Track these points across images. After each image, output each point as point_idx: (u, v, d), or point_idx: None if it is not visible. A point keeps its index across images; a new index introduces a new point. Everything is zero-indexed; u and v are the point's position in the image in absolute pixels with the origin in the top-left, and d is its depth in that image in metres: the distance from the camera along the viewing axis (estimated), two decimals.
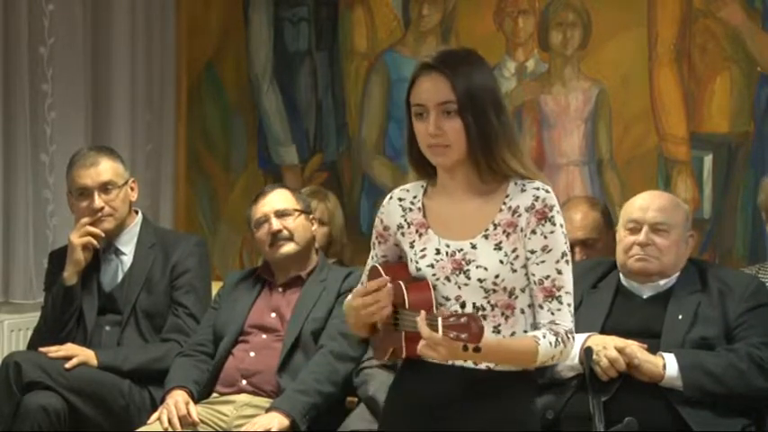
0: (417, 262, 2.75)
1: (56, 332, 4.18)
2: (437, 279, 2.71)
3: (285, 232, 4.08)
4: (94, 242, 4.21)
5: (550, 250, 2.69)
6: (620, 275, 3.71)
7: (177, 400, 3.91)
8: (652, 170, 4.58)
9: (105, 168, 4.23)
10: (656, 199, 3.70)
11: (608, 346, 3.44)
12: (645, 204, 3.68)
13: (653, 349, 3.46)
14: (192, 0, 5.54)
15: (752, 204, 4.30)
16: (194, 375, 4.05)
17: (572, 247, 4.18)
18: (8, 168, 4.90)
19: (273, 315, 4.07)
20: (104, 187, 4.22)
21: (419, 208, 2.80)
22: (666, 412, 3.41)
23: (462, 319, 2.45)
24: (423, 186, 2.83)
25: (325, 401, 3.88)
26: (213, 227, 5.50)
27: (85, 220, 4.20)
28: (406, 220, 2.81)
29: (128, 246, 4.31)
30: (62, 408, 3.94)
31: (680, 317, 3.54)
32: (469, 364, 2.66)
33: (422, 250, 2.75)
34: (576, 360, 3.48)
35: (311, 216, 4.20)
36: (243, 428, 3.80)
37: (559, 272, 2.70)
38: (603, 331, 3.55)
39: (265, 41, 5.40)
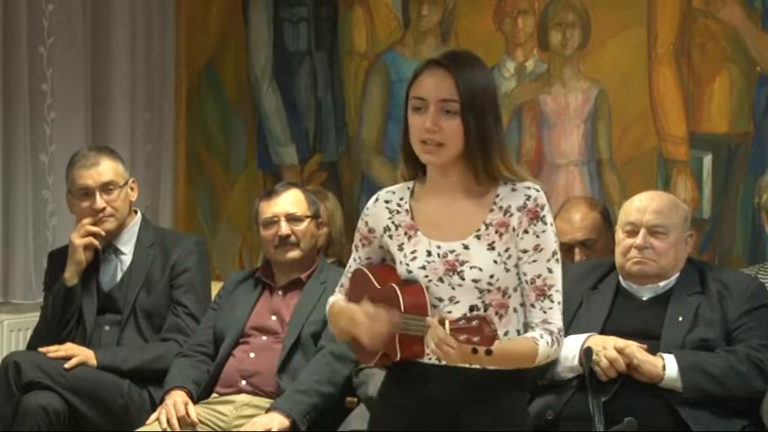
0: (408, 264, 2.75)
1: (56, 332, 4.19)
2: (429, 281, 2.71)
3: (293, 238, 4.07)
4: (96, 242, 4.21)
5: (542, 249, 2.71)
6: (620, 277, 3.71)
7: (176, 401, 3.91)
8: (651, 170, 4.58)
9: (106, 168, 4.23)
10: (654, 200, 3.69)
11: (608, 347, 3.44)
12: (642, 206, 3.67)
13: (652, 350, 3.46)
14: (192, 0, 5.54)
15: (751, 204, 4.30)
16: (193, 376, 4.05)
17: (571, 247, 4.21)
18: (8, 168, 4.90)
19: (274, 318, 4.07)
20: (106, 187, 4.23)
21: (406, 210, 2.80)
22: (666, 413, 3.41)
23: (474, 322, 2.47)
24: (409, 188, 2.83)
25: (324, 402, 3.89)
26: (213, 227, 5.50)
27: (87, 220, 4.21)
28: (393, 223, 2.80)
29: (127, 245, 4.31)
30: (61, 408, 3.94)
31: (680, 318, 3.54)
32: (463, 364, 2.65)
33: (412, 252, 2.75)
34: (576, 360, 3.48)
35: (319, 219, 4.19)
36: (243, 428, 3.80)
37: (550, 270, 2.72)
38: (603, 332, 3.55)
39: (265, 41, 5.40)
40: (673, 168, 4.57)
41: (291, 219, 4.09)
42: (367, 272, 2.79)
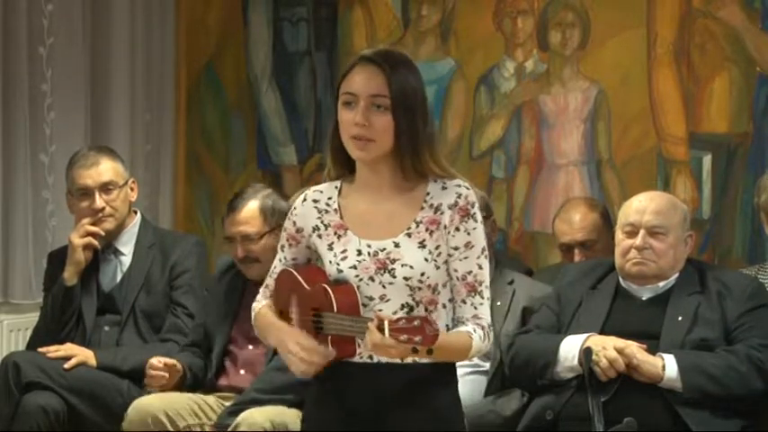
0: (338, 264, 2.73)
1: (55, 332, 4.19)
2: (360, 280, 2.70)
3: (251, 257, 4.03)
4: (95, 242, 4.21)
5: (473, 246, 2.71)
6: (619, 277, 3.71)
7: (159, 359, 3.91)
8: (651, 170, 4.58)
9: (106, 168, 4.24)
10: (653, 201, 3.69)
11: (607, 347, 3.45)
12: (641, 207, 3.67)
13: (652, 351, 3.47)
14: (191, 0, 5.54)
15: (751, 204, 4.30)
16: (190, 360, 4.04)
17: (571, 248, 4.22)
18: (8, 168, 4.90)
19: None
20: (105, 187, 4.23)
21: (335, 209, 2.78)
22: (666, 413, 3.41)
23: (415, 323, 2.47)
24: (336, 187, 2.82)
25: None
26: (212, 227, 5.50)
27: (86, 220, 4.21)
28: (322, 222, 2.78)
29: (127, 246, 4.31)
30: (61, 408, 3.95)
31: (679, 318, 3.54)
32: (395, 360, 2.63)
33: (342, 252, 2.74)
34: (576, 361, 3.48)
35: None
36: None
37: (480, 267, 2.73)
38: (603, 332, 3.55)
39: (265, 42, 5.40)
40: (672, 168, 4.57)
41: (246, 239, 4.03)
42: (294, 273, 2.77)
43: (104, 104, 5.28)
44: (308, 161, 5.30)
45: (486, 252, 2.74)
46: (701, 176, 4.53)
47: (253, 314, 2.88)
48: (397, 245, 2.71)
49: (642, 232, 3.62)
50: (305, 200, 2.83)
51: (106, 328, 4.23)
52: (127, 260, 4.30)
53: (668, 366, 3.43)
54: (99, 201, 4.21)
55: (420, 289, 2.69)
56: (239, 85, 5.46)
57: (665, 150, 4.59)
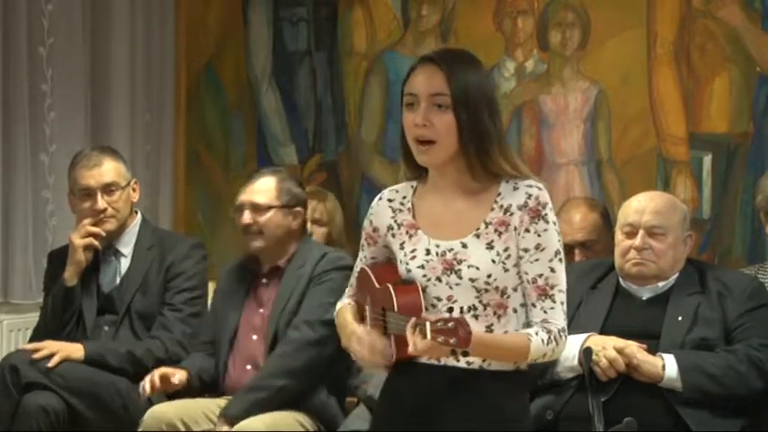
0: (407, 263, 2.73)
1: (55, 332, 4.18)
2: (428, 280, 2.70)
3: (255, 227, 4.04)
4: (96, 243, 4.21)
5: (544, 249, 2.68)
6: (619, 277, 3.71)
7: (166, 369, 3.91)
8: (651, 170, 4.59)
9: (108, 169, 4.23)
10: (652, 201, 3.68)
11: (607, 347, 3.44)
12: (641, 207, 3.66)
13: (652, 350, 3.46)
14: (191, 0, 5.54)
15: (751, 204, 4.30)
16: (200, 363, 4.04)
17: (571, 248, 4.21)
18: (8, 168, 4.90)
19: (261, 310, 4.05)
20: (107, 188, 4.22)
21: (409, 208, 2.78)
22: (666, 413, 3.41)
23: (450, 324, 2.45)
24: (413, 186, 2.81)
25: (279, 394, 3.84)
26: (212, 227, 5.50)
27: (87, 220, 4.20)
28: (395, 221, 2.79)
29: (127, 247, 4.30)
30: (61, 408, 3.94)
31: (679, 318, 3.54)
32: (462, 363, 2.64)
33: (412, 251, 2.74)
34: (576, 360, 3.48)
35: (296, 209, 4.11)
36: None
37: (553, 270, 2.69)
38: (603, 332, 3.54)
39: (265, 42, 5.41)
40: (672, 168, 4.57)
41: (255, 208, 4.05)
42: (369, 271, 2.79)
43: (104, 104, 5.29)
44: (308, 161, 5.30)
45: (561, 255, 2.70)
46: (701, 176, 4.54)
47: (334, 314, 2.91)
48: (464, 245, 2.69)
49: (641, 232, 3.62)
50: (380, 199, 2.84)
51: (106, 328, 4.23)
52: (126, 261, 4.29)
53: (668, 366, 3.42)
54: (101, 202, 4.20)
55: (487, 291, 2.67)
56: (239, 85, 5.46)
57: (665, 150, 4.59)
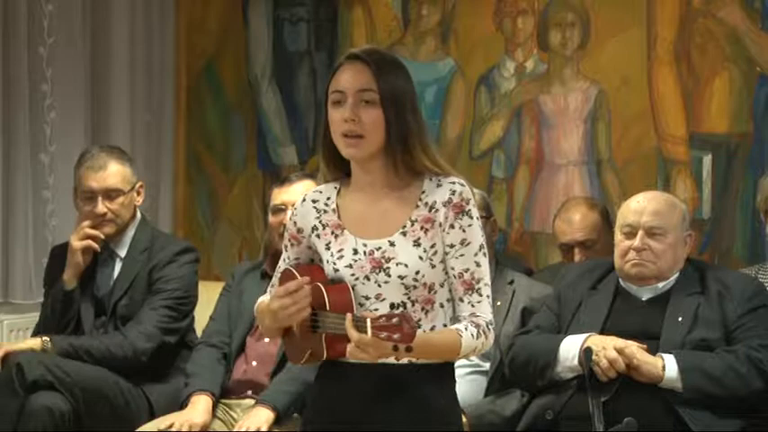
0: (335, 263, 2.73)
1: (55, 334, 4.17)
2: (356, 279, 2.70)
3: None
4: (94, 245, 4.19)
5: (469, 243, 2.70)
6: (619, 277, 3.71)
7: (193, 420, 3.89)
8: (651, 170, 4.59)
9: (113, 173, 4.20)
10: (651, 201, 3.68)
11: (607, 347, 3.44)
12: (640, 208, 3.66)
13: (652, 351, 3.46)
14: (191, 0, 5.54)
15: (751, 204, 4.31)
16: (219, 377, 4.03)
17: (571, 248, 4.22)
18: (8, 168, 4.91)
19: None
20: (109, 193, 4.19)
21: (333, 209, 2.79)
22: (666, 413, 3.41)
23: (394, 320, 2.46)
24: (336, 187, 2.81)
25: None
26: (212, 227, 5.50)
27: (86, 223, 4.19)
28: (320, 222, 2.79)
29: (123, 249, 4.28)
30: (67, 409, 3.92)
31: (679, 318, 3.54)
32: (390, 360, 2.61)
33: (339, 251, 2.74)
34: (576, 361, 3.48)
35: None
36: (235, 428, 3.82)
37: (478, 264, 2.71)
38: (603, 333, 3.55)
39: (264, 42, 5.41)
40: (672, 168, 4.57)
41: None
42: (294, 272, 2.77)
43: (104, 104, 5.29)
44: (308, 161, 5.29)
45: (485, 249, 2.72)
46: (701, 176, 4.53)
47: (254, 309, 2.89)
48: (392, 243, 2.70)
49: (641, 233, 3.62)
50: (304, 200, 2.84)
51: (101, 331, 4.22)
52: (120, 264, 4.28)
53: (668, 367, 3.43)
54: (101, 206, 4.18)
55: (415, 288, 2.69)
56: (239, 85, 5.46)
57: (665, 150, 4.59)
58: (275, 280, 2.86)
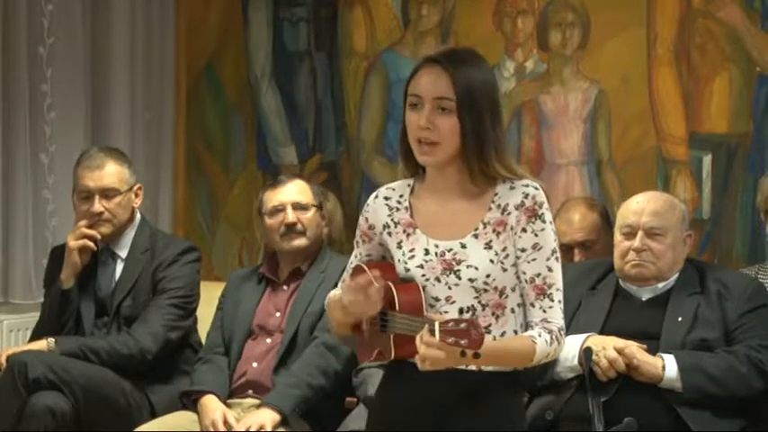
0: (406, 263, 2.73)
1: (54, 334, 4.18)
2: (426, 280, 2.70)
3: (299, 226, 4.09)
4: (91, 245, 4.20)
5: (541, 248, 2.69)
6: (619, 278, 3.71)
7: (215, 418, 3.89)
8: (651, 170, 4.58)
9: (110, 173, 4.21)
10: (651, 202, 3.68)
11: (607, 347, 3.44)
12: (639, 208, 3.66)
13: (652, 351, 3.46)
14: (191, 0, 5.54)
15: (751, 204, 4.31)
16: (221, 380, 4.05)
17: (570, 248, 4.21)
18: (8, 168, 4.90)
19: (278, 314, 4.07)
20: (106, 193, 4.20)
21: (406, 207, 2.78)
22: (666, 413, 3.41)
23: (462, 325, 2.43)
24: (409, 185, 2.81)
25: (316, 394, 3.90)
26: (212, 227, 5.50)
27: (82, 222, 4.19)
28: (392, 220, 2.78)
29: (123, 250, 4.29)
30: (68, 409, 3.92)
31: (679, 319, 3.54)
32: (460, 366, 2.61)
33: (410, 251, 2.74)
34: (576, 361, 3.48)
35: (323, 212, 4.21)
36: (237, 427, 3.82)
37: (550, 269, 2.70)
38: (603, 333, 3.54)
39: (264, 41, 5.40)
40: (672, 168, 4.57)
41: (298, 207, 4.12)
42: (366, 269, 2.77)
43: (104, 104, 5.29)
44: (307, 161, 5.30)
45: (558, 254, 2.71)
46: (700, 176, 4.53)
47: (325, 303, 2.89)
48: (463, 246, 2.69)
49: (640, 234, 3.62)
50: (377, 197, 2.83)
51: (104, 331, 4.22)
52: (122, 264, 4.28)
53: (668, 367, 3.42)
54: (97, 205, 4.19)
55: (486, 291, 2.68)
56: (239, 85, 5.46)
57: (665, 150, 4.59)
58: (346, 275, 2.85)
